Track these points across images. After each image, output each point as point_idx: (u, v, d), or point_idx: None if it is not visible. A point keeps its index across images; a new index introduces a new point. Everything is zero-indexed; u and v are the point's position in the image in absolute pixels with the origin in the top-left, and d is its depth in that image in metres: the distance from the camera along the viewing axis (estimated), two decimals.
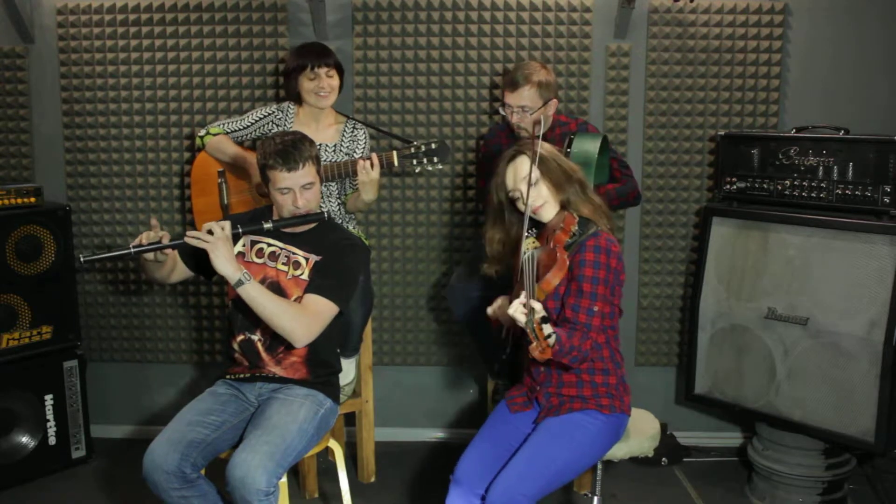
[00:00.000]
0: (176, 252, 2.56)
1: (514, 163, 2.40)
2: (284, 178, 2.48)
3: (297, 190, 2.50)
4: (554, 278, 2.23)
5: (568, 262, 2.27)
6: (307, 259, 2.57)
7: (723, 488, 3.36)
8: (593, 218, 2.38)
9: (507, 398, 2.52)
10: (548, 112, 3.08)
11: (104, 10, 3.55)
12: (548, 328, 2.05)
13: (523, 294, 2.10)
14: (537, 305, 2.03)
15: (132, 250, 2.39)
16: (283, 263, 2.58)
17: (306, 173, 2.49)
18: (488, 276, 3.14)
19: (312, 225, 2.58)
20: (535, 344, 2.04)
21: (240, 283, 2.37)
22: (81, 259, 2.40)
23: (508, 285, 2.68)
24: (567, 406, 2.36)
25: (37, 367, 3.37)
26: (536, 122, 2.64)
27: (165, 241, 2.42)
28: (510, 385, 3.24)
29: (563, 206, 2.40)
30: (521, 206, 2.40)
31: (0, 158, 3.70)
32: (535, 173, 2.35)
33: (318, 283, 2.52)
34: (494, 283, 3.16)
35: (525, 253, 2.26)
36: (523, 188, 2.36)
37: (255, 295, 2.39)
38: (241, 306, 2.47)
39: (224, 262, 2.37)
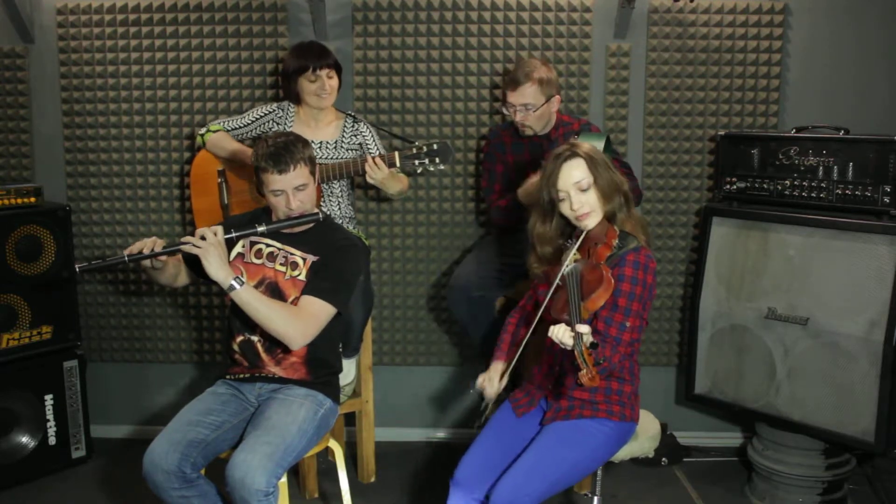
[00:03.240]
0: (180, 256, 2.58)
1: (568, 163, 2.32)
2: (276, 181, 2.47)
3: (290, 192, 2.49)
4: (600, 298, 2.17)
5: (613, 282, 2.21)
6: (305, 259, 2.56)
7: (723, 488, 3.36)
8: (634, 232, 2.34)
9: (512, 400, 2.51)
10: (551, 109, 3.09)
11: (104, 10, 3.55)
12: (597, 354, 2.02)
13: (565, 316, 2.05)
14: (585, 329, 1.99)
15: (127, 258, 2.40)
16: (282, 264, 2.58)
17: (298, 175, 2.48)
18: (489, 277, 3.16)
19: (310, 225, 2.58)
20: (584, 371, 1.98)
21: (231, 287, 2.38)
22: (77, 268, 2.42)
23: (511, 284, 2.68)
24: (577, 411, 2.34)
25: (37, 367, 3.37)
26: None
27: (159, 249, 2.43)
28: (511, 387, 3.24)
29: (608, 217, 2.35)
30: (565, 209, 2.34)
31: (0, 158, 3.70)
32: (588, 178, 2.30)
33: (315, 285, 2.51)
34: (495, 283, 3.18)
35: (567, 266, 2.20)
36: (573, 193, 2.31)
37: (249, 299, 2.40)
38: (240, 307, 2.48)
39: (216, 267, 2.38)
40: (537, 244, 2.45)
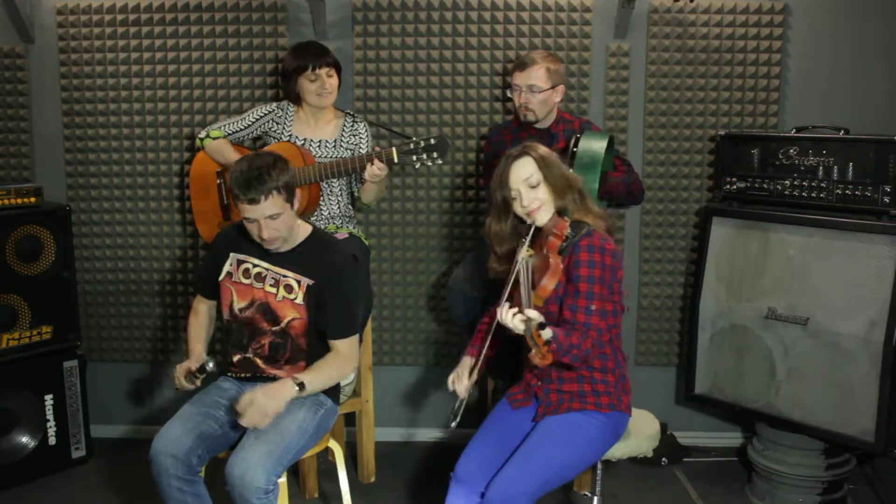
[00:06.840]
0: (206, 306, 2.71)
1: (517, 162, 2.39)
2: (247, 210, 2.38)
3: (262, 221, 2.40)
4: (549, 284, 2.26)
5: (562, 266, 2.28)
6: (299, 283, 2.52)
7: (723, 488, 3.36)
8: (592, 223, 2.38)
9: (508, 395, 2.53)
10: (555, 98, 3.11)
11: (104, 10, 3.55)
12: (546, 332, 2.09)
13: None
14: (533, 313, 2.06)
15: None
16: (271, 285, 2.54)
17: (270, 205, 2.36)
18: (488, 277, 3.15)
19: (297, 243, 2.55)
20: (534, 351, 2.06)
21: (302, 389, 2.43)
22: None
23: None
24: (566, 405, 2.36)
25: (37, 367, 3.37)
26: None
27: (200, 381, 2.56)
28: (510, 385, 3.25)
29: (559, 212, 2.39)
30: (517, 207, 2.39)
31: (0, 158, 3.70)
32: (538, 174, 2.36)
33: (335, 326, 2.54)
34: (494, 284, 3.17)
35: (520, 261, 2.26)
36: (523, 190, 2.36)
37: (317, 386, 2.49)
38: (236, 328, 2.55)
39: (282, 404, 2.39)
40: (495, 244, 2.50)
